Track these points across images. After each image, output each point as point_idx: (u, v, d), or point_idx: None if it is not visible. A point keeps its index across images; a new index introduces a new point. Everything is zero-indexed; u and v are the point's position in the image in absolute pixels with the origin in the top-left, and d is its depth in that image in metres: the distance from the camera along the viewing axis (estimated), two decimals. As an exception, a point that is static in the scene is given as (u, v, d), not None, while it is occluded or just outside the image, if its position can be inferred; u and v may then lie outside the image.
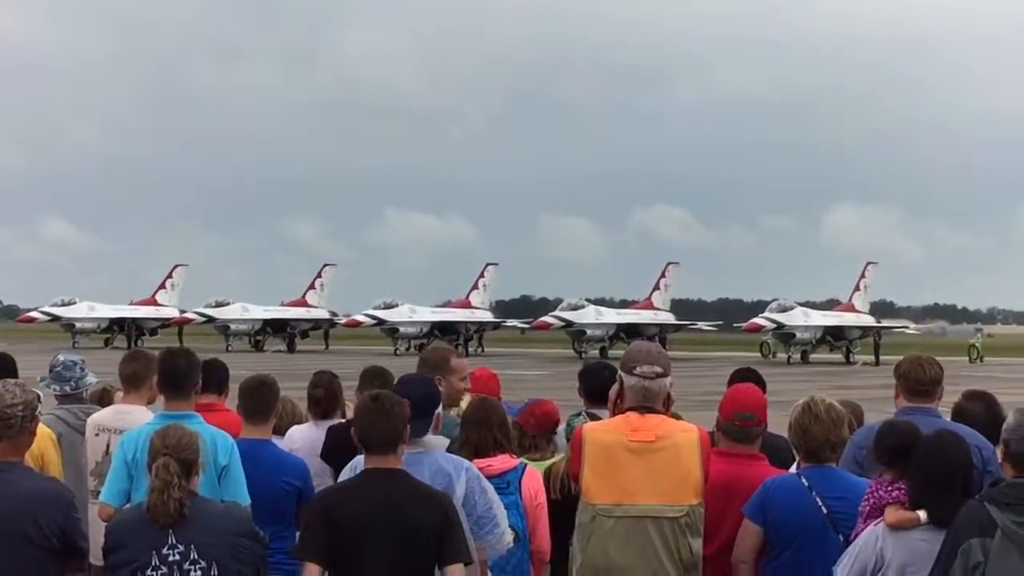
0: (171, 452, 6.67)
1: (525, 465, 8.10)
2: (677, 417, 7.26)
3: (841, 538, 7.17)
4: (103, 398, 9.94)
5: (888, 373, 9.19)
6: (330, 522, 6.42)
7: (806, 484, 7.31)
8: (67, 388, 9.31)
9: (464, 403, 8.77)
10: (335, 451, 8.40)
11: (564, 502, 7.76)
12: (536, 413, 9.00)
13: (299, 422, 9.67)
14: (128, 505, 7.26)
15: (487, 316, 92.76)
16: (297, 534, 7.71)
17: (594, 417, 8.51)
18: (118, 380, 9.02)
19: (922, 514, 6.68)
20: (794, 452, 7.63)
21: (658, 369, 7.12)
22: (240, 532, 6.73)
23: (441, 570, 6.44)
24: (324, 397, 9.48)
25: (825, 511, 7.25)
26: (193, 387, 8.14)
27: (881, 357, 72.06)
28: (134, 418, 8.21)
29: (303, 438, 9.26)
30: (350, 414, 9.40)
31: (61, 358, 9.50)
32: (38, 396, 6.99)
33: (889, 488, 6.85)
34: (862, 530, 6.91)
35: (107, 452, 8.25)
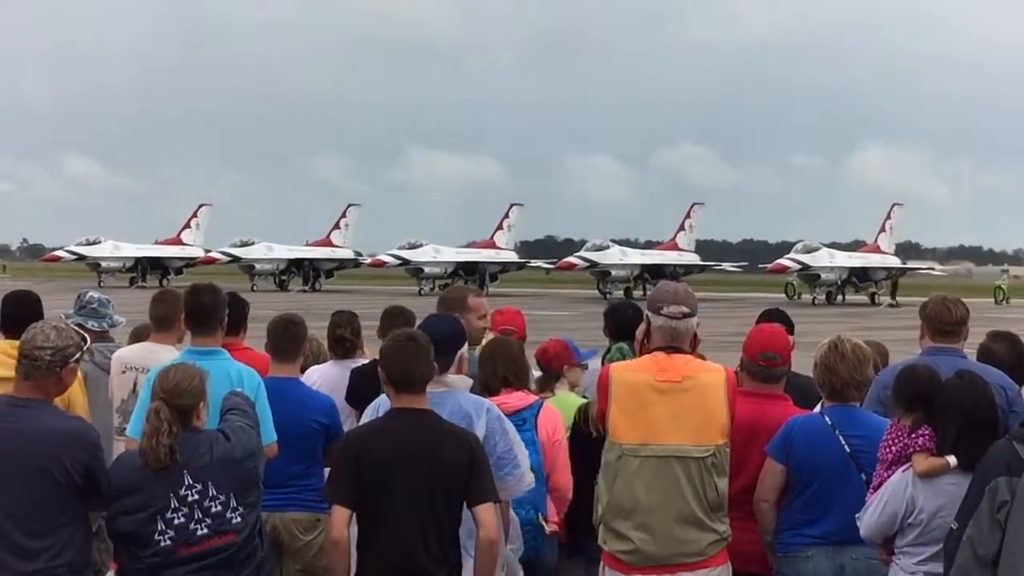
0: (167, 396, 6.61)
1: (542, 402, 8.10)
2: (702, 358, 7.24)
3: (864, 477, 7.16)
4: (144, 336, 9.80)
5: (913, 314, 9.17)
6: (359, 463, 6.42)
7: (829, 423, 7.30)
8: (105, 324, 9.25)
9: (485, 342, 8.77)
10: (361, 394, 8.36)
11: (590, 441, 7.76)
12: (550, 350, 9.02)
13: (324, 361, 9.66)
14: (127, 451, 7.19)
15: (512, 256, 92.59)
16: (325, 471, 7.75)
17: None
18: (146, 319, 8.92)
19: (951, 459, 6.68)
20: (819, 391, 7.62)
21: (685, 309, 7.08)
22: (246, 455, 6.72)
23: (471, 510, 6.46)
24: (346, 337, 9.45)
25: (848, 450, 7.24)
26: (219, 323, 8.14)
27: (907, 299, 71.62)
28: (160, 356, 8.15)
29: (322, 377, 9.23)
30: (368, 354, 9.41)
31: (95, 295, 9.42)
32: (80, 344, 6.72)
33: (914, 436, 6.83)
34: (885, 477, 6.91)
35: (134, 390, 8.24)
